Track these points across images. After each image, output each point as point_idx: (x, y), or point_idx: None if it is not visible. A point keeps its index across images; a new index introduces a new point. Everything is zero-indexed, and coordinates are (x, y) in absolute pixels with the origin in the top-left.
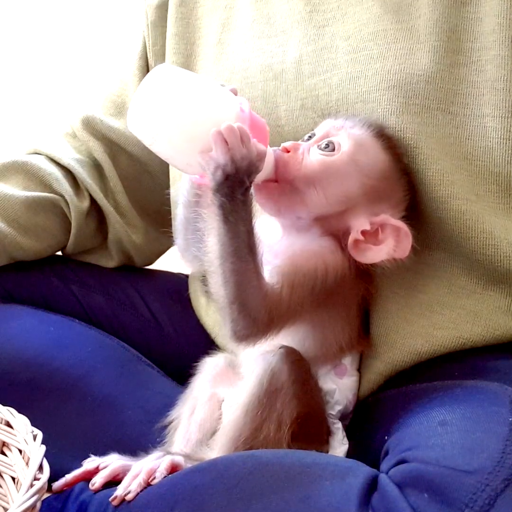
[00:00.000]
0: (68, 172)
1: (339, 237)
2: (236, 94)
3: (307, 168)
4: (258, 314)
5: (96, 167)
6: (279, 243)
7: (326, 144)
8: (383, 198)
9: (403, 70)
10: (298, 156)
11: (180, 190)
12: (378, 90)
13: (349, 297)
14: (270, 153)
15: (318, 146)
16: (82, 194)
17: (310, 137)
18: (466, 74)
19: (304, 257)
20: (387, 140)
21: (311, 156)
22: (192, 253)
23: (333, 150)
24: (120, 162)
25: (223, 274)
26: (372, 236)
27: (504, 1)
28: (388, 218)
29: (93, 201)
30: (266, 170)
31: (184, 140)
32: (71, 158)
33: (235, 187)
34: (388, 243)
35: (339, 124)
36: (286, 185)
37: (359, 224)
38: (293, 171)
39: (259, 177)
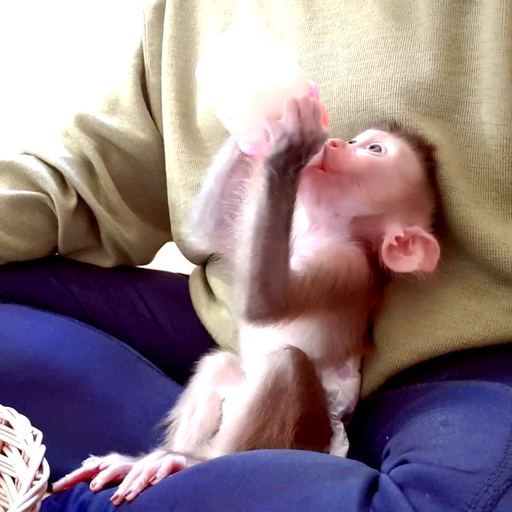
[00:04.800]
0: (56, 171)
1: (369, 242)
2: None
3: (355, 163)
4: (277, 296)
5: (87, 165)
6: (305, 236)
7: (372, 146)
8: (419, 209)
9: (404, 78)
10: (347, 150)
11: (214, 162)
12: (380, 98)
13: (363, 305)
14: None
15: (363, 148)
16: (69, 192)
17: (351, 143)
18: (466, 82)
19: (331, 255)
20: (425, 153)
21: (359, 153)
22: (205, 229)
23: (380, 151)
24: (111, 159)
25: (254, 247)
26: (402, 245)
27: (500, 11)
28: (420, 230)
29: (82, 200)
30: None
31: (253, 102)
32: (59, 157)
33: (290, 162)
34: (418, 255)
35: (383, 133)
36: (332, 176)
37: (394, 230)
38: (341, 163)
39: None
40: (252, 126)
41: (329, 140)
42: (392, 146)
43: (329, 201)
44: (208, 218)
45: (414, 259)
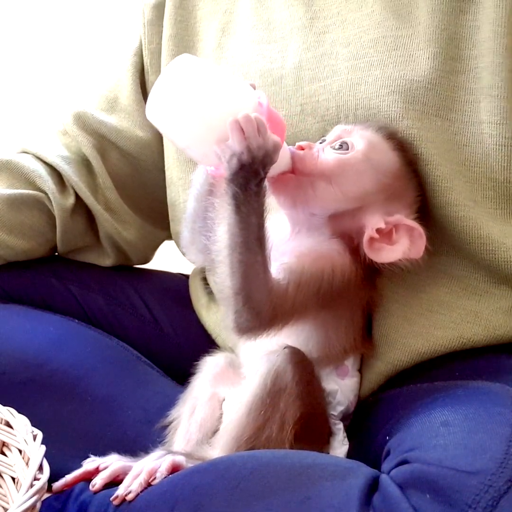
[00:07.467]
0: (54, 170)
1: (351, 238)
2: (255, 89)
3: (322, 164)
4: (262, 307)
5: (85, 164)
6: (287, 242)
7: (340, 144)
8: (397, 198)
9: (403, 76)
10: (314, 153)
11: (193, 183)
12: (378, 96)
13: (355, 301)
14: (286, 148)
15: (331, 146)
16: (67, 191)
17: (321, 143)
18: (464, 81)
19: (312, 257)
20: (397, 142)
21: (326, 154)
22: (197, 247)
23: (347, 149)
24: (110, 158)
25: (231, 264)
26: (385, 236)
27: (500, 9)
28: (403, 218)
29: (80, 198)
30: (281, 164)
31: (202, 129)
32: (57, 155)
33: (249, 178)
34: (402, 243)
35: (350, 127)
36: (302, 178)
37: (374, 222)
38: (309, 166)
39: (274, 170)
40: (205, 152)
41: (297, 144)
42: (359, 140)
43: (304, 202)
44: (198, 235)
45: (398, 248)
